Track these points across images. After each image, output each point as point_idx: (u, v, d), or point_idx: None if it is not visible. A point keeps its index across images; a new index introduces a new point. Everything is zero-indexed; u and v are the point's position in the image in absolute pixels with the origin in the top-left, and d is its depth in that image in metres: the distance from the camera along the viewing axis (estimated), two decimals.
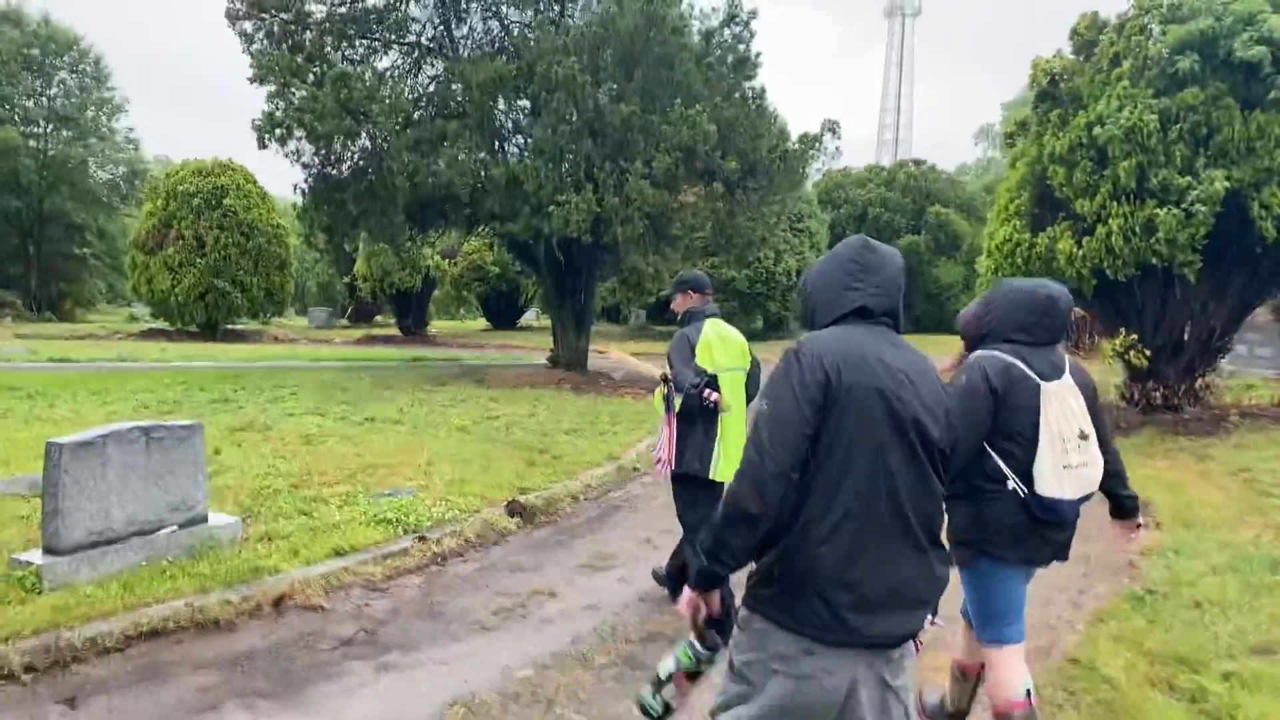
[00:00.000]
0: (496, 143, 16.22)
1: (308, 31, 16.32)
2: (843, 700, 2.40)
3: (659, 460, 5.22)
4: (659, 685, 2.70)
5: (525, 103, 16.64)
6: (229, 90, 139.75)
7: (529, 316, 38.86)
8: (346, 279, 37.58)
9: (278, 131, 15.57)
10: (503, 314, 36.74)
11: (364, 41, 16.79)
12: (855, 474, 2.36)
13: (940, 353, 18.13)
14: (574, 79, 14.32)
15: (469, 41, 17.07)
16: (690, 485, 5.12)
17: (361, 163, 16.44)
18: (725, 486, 4.90)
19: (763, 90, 15.95)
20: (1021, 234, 11.61)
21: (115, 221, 46.77)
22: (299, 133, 15.58)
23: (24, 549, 5.81)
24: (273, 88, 16.10)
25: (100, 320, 42.24)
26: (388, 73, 16.82)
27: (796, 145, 16.56)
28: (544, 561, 6.61)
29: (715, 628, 2.67)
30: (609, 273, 19.33)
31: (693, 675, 2.65)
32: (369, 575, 6.04)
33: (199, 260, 30.48)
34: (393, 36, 16.83)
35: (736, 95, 15.91)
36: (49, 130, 44.13)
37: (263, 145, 15.99)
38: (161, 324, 34.16)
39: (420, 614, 5.51)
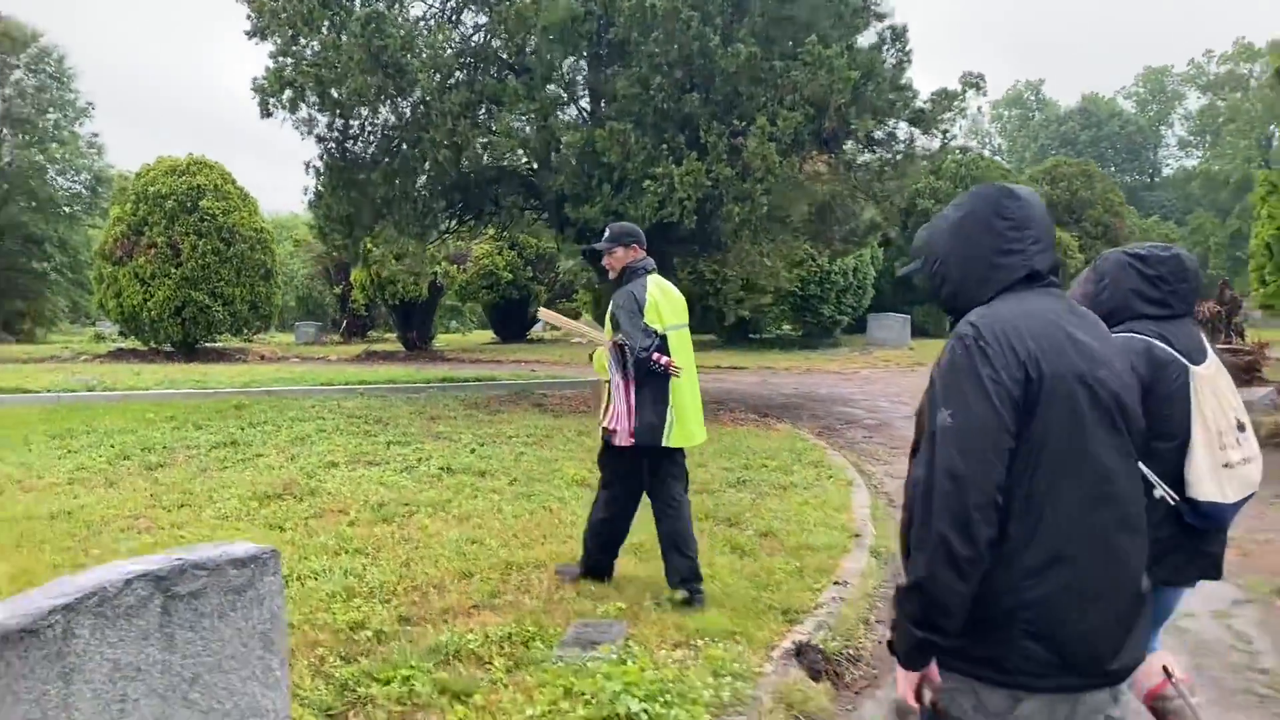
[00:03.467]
0: (565, 105, 12.88)
1: None
2: None
3: (613, 431, 4.80)
4: None
5: (587, 55, 13.33)
6: (198, 111, 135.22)
7: (537, 328, 35.39)
8: (337, 289, 33.97)
9: (286, 94, 12.17)
10: (510, 325, 33.28)
11: None
12: (1067, 486, 1.91)
13: None
14: (677, 12, 11.03)
15: None
16: (630, 454, 4.87)
17: (390, 134, 13.05)
18: (682, 453, 5.08)
19: (904, 30, 12.71)
20: None
21: (78, 233, 42.93)
22: (312, 96, 12.17)
23: None
24: (277, 42, 12.70)
25: (63, 340, 38.40)
26: (420, 23, 13.44)
27: (928, 105, 13.33)
28: None
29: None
30: (685, 271, 15.97)
31: None
32: None
33: (174, 270, 26.88)
34: None
35: (870, 35, 12.69)
36: (4, 134, 40.26)
37: (266, 112, 12.59)
38: (131, 343, 30.46)
39: None
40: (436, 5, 13.68)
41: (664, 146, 11.66)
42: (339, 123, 12.86)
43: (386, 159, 13.02)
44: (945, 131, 13.14)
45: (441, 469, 8.42)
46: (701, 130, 11.61)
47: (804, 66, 11.46)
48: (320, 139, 12.89)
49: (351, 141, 13.18)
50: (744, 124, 11.64)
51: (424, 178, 13.32)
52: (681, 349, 4.84)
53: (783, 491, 7.79)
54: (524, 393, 15.28)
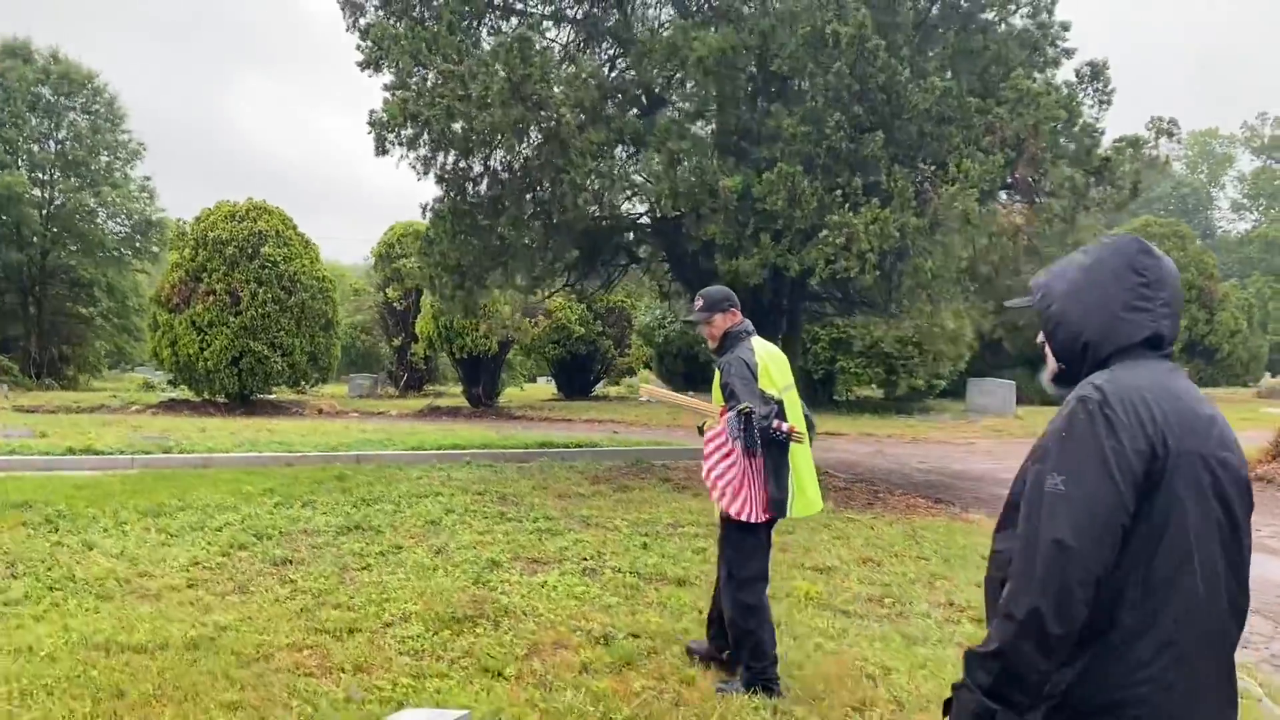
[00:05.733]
0: (719, 146, 11.51)
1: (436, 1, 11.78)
2: None
3: (742, 511, 4.37)
4: None
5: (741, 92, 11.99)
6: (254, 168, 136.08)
7: (601, 385, 33.89)
8: (396, 341, 32.69)
9: (409, 128, 10.88)
10: (576, 381, 31.82)
11: (516, 18, 12.20)
12: (1188, 575, 1.79)
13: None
14: (863, 41, 9.68)
15: (654, 12, 12.50)
16: (755, 531, 4.56)
17: (516, 175, 11.71)
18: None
19: (1104, 66, 11.27)
20: None
21: (126, 277, 42.05)
22: (437, 131, 10.88)
23: None
24: (392, 74, 11.48)
25: (110, 387, 37.32)
26: (548, 54, 12.17)
27: (1110, 152, 11.86)
28: None
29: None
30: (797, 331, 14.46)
31: None
32: None
33: (232, 319, 25.73)
34: (552, 8, 12.26)
35: (1064, 70, 11.32)
36: (55, 177, 39.62)
37: (382, 150, 11.34)
38: (183, 393, 29.30)
39: None
40: (567, 36, 12.44)
41: (838, 192, 10.25)
42: (462, 162, 11.54)
43: (508, 203, 11.67)
44: (1135, 184, 11.65)
45: (632, 574, 6.91)
46: (883, 174, 10.21)
47: (1001, 103, 10.07)
48: (441, 179, 11.55)
49: (472, 183, 11.86)
50: (932, 168, 10.23)
51: (539, 224, 11.97)
52: (793, 411, 4.62)
53: None
54: (640, 464, 13.75)
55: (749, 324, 4.80)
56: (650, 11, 12.60)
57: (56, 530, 8.11)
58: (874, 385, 27.11)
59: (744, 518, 4.43)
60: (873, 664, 4.99)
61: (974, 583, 7.02)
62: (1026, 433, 21.77)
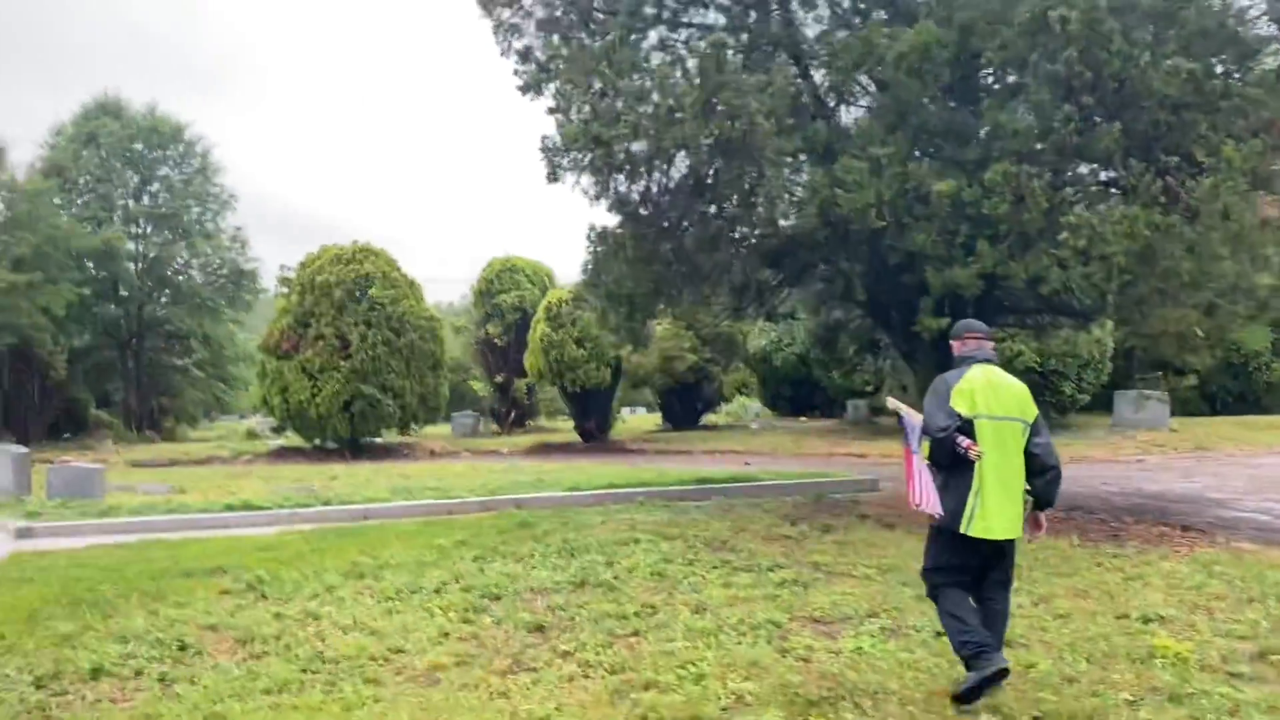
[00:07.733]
0: (916, 148, 10.64)
1: (601, 14, 11.16)
2: None
3: (918, 505, 4.76)
4: None
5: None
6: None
7: (709, 415, 32.92)
8: (499, 377, 32.15)
9: (595, 151, 10.16)
10: (684, 411, 30.95)
11: (683, 29, 11.52)
12: None
13: None
14: (1098, 24, 8.77)
15: (827, 14, 11.72)
16: (941, 538, 4.90)
17: (690, 194, 10.94)
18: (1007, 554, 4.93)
19: None
20: None
21: (220, 327, 42.28)
22: (619, 153, 10.16)
23: None
24: (555, 97, 10.85)
25: (212, 437, 37.39)
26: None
27: None
28: None
29: None
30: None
31: None
32: None
33: (342, 363, 25.42)
34: (725, 19, 11.57)
35: None
36: (149, 231, 40.03)
37: (553, 176, 10.67)
38: (289, 440, 29.15)
39: None
40: (731, 48, 11.69)
41: (1067, 190, 9.31)
42: (637, 184, 10.80)
43: (688, 224, 10.91)
44: None
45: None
46: (1118, 169, 9.26)
47: (1251, 85, 9.08)
48: (621, 203, 10.82)
49: (643, 206, 11.12)
50: (1175, 159, 9.25)
51: (725, 243, 11.18)
52: (997, 440, 4.68)
53: None
54: (823, 498, 12.84)
55: (982, 353, 5.00)
56: (817, 13, 11.81)
57: (264, 598, 7.47)
58: None
59: (912, 505, 4.79)
60: None
61: None
62: (1192, 446, 20.41)
